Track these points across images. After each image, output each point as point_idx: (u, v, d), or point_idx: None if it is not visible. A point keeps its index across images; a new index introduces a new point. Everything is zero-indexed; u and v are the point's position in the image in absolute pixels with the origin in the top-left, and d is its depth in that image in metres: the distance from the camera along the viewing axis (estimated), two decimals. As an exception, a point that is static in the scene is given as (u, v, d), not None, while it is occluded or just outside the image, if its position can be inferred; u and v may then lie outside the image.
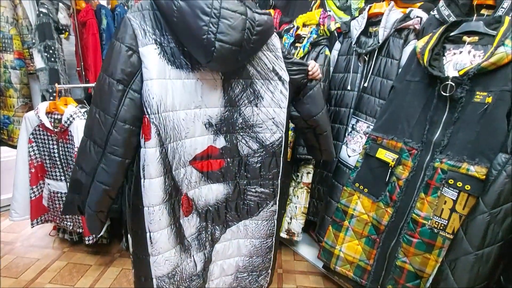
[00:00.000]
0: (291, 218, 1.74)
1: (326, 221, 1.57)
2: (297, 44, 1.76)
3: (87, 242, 1.60)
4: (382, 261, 1.32)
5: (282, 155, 1.07)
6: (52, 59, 1.73)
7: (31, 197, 1.65)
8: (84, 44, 1.95)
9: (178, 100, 0.88)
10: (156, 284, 1.00)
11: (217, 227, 1.10)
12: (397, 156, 1.26)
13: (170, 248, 0.97)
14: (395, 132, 1.29)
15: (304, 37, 1.72)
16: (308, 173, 1.72)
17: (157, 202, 0.90)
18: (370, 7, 1.51)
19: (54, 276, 1.61)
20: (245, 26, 0.80)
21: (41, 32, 1.69)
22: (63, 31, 1.85)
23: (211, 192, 1.04)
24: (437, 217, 1.12)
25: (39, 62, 1.72)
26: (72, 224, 1.70)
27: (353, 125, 1.52)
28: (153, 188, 0.88)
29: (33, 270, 1.65)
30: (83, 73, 2.06)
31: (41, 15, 1.71)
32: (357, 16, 1.56)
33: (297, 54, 1.71)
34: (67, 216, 1.69)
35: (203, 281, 1.13)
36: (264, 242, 1.19)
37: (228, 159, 1.02)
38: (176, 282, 1.03)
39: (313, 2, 1.89)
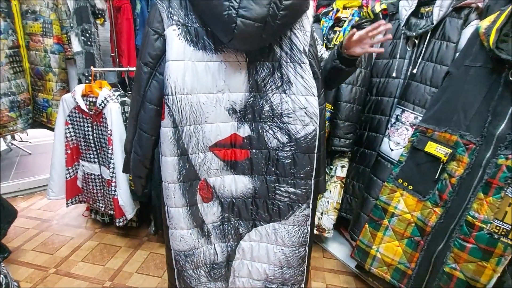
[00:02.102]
0: (322, 213, 1.66)
1: (362, 218, 1.46)
2: (336, 28, 1.64)
3: (117, 224, 1.63)
4: (426, 266, 1.20)
5: (316, 151, 0.94)
6: (89, 42, 1.75)
7: (66, 178, 1.70)
8: (118, 29, 1.96)
9: (199, 82, 0.85)
10: (174, 257, 1.03)
11: (242, 223, 1.04)
12: (451, 151, 1.13)
13: (185, 227, 0.98)
14: (449, 123, 1.15)
15: (345, 20, 1.60)
16: (342, 166, 1.62)
17: (171, 180, 0.92)
18: (423, -16, 1.36)
19: (86, 254, 1.66)
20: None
21: (78, 15, 1.71)
22: (99, 16, 1.87)
23: (235, 184, 0.98)
24: (499, 221, 0.98)
25: (76, 45, 1.75)
26: (104, 205, 1.74)
27: (397, 115, 1.39)
28: (167, 166, 0.90)
29: (67, 247, 1.71)
30: (117, 59, 2.09)
31: (79, -1, 1.74)
32: (407, -5, 1.40)
33: (336, 39, 1.60)
34: (100, 198, 1.73)
35: (225, 273, 1.10)
36: (296, 251, 1.06)
37: (254, 151, 0.95)
38: (193, 263, 1.04)
39: (355, -18, 1.75)
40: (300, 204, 0.99)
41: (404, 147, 1.31)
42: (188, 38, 0.81)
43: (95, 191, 1.72)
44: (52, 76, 1.97)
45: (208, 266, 1.07)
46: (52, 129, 2.03)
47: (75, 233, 1.85)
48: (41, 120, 2.07)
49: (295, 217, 1.01)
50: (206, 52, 0.84)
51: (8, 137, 3.19)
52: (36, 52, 1.92)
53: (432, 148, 1.19)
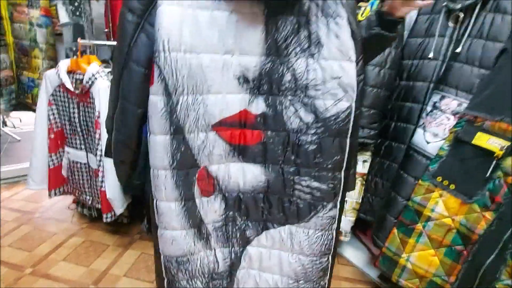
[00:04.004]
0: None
1: (388, 221, 1.26)
2: (361, 3, 1.43)
3: (104, 220, 1.43)
4: (470, 280, 1.00)
5: (349, 136, 0.73)
6: (78, 13, 1.55)
7: (49, 166, 1.50)
8: (113, 1, 1.75)
9: (202, 38, 0.64)
10: (164, 263, 0.83)
11: (250, 224, 0.84)
12: (508, 144, 0.93)
13: (178, 227, 0.77)
14: (506, 111, 0.95)
15: (372, -6, 1.38)
16: (364, 161, 1.41)
17: (161, 166, 0.72)
18: None
19: (69, 253, 1.47)
20: None
21: (66, -19, 1.51)
22: (91, -17, 1.66)
23: (243, 175, 0.78)
24: None
25: (63, 16, 1.54)
26: (91, 198, 1.54)
27: (435, 102, 1.18)
28: (157, 148, 0.70)
29: (48, 244, 1.52)
30: (112, 36, 1.88)
31: (67, -37, 1.53)
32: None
33: (361, 14, 1.38)
34: (86, 190, 1.54)
35: (227, 285, 0.90)
36: (317, 261, 0.85)
37: (269, 133, 0.74)
38: (188, 272, 0.84)
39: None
40: (325, 203, 0.79)
41: (444, 139, 1.11)
42: None
43: (81, 181, 1.53)
44: (38, 53, 1.76)
45: (206, 276, 0.86)
46: (37, 112, 1.82)
47: (58, 228, 1.65)
48: (26, 101, 1.87)
49: (317, 219, 0.80)
50: None
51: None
52: (21, 25, 1.72)
53: (483, 140, 0.98)
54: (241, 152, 0.75)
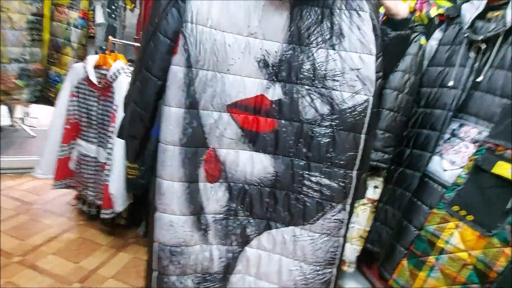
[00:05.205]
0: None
1: (398, 252, 1.17)
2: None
3: (102, 216, 1.40)
4: (488, 326, 0.89)
5: (364, 132, 0.72)
6: (113, 15, 1.66)
7: (59, 155, 1.51)
8: (147, 12, 1.88)
9: (228, 17, 0.67)
10: (157, 252, 0.78)
11: (252, 221, 0.80)
12: (532, 175, 0.88)
13: (177, 212, 0.75)
14: (530, 141, 0.91)
15: (393, 24, 1.43)
16: (375, 187, 1.36)
17: (171, 140, 0.71)
18: (493, -13, 1.19)
19: (60, 247, 1.42)
20: None
21: (108, -13, 1.64)
22: (130, -4, 1.79)
23: (252, 164, 0.75)
24: None
25: (99, 17, 1.66)
26: (94, 194, 1.52)
27: (454, 130, 1.15)
28: (170, 120, 0.70)
29: (42, 236, 1.48)
30: (140, 44, 1.98)
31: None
32: (471, -1, 1.24)
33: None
34: (90, 185, 1.52)
35: None
36: (320, 272, 0.80)
37: (283, 122, 0.73)
38: (180, 266, 0.78)
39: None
40: (333, 204, 0.75)
41: (462, 167, 1.06)
42: None
43: (86, 175, 1.52)
44: (70, 51, 1.86)
45: (198, 275, 0.81)
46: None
47: (55, 222, 1.62)
48: (48, 95, 1.94)
49: (325, 221, 0.76)
50: None
51: (19, 116, 3.10)
52: (59, 24, 1.84)
53: (504, 169, 0.93)
54: (252, 139, 0.74)
